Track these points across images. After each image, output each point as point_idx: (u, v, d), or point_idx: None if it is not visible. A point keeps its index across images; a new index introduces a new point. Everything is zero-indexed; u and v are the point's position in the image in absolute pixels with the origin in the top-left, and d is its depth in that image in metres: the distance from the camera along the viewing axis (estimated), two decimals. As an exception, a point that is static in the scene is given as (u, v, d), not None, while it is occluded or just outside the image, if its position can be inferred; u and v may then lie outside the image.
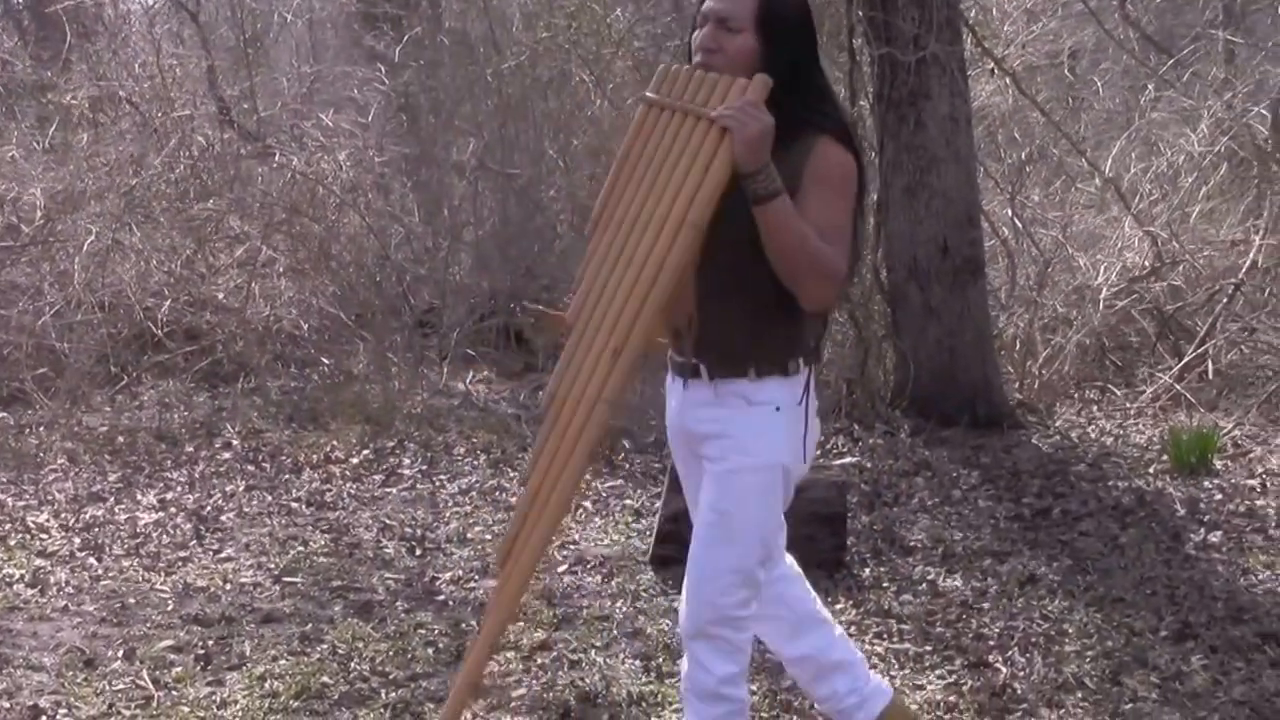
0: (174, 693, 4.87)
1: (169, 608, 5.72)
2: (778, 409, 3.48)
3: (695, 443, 3.62)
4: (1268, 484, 6.78)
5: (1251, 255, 9.45)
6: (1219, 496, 6.68)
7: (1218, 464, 7.11)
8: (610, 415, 3.47)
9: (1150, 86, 11.29)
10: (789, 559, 3.93)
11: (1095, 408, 8.53)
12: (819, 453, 7.55)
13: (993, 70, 9.95)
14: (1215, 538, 6.15)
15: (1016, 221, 9.49)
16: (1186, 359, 8.81)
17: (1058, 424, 8.08)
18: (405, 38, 11.82)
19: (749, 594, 3.54)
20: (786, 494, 3.58)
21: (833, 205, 3.37)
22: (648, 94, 3.52)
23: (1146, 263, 9.54)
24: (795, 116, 3.37)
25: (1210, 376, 8.81)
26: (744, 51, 3.40)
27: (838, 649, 3.93)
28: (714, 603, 3.51)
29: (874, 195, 8.43)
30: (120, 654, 5.21)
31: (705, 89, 3.37)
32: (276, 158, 11.33)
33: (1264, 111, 10.37)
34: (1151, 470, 7.11)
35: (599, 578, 5.93)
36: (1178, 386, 8.38)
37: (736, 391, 3.49)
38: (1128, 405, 8.40)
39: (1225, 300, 9.27)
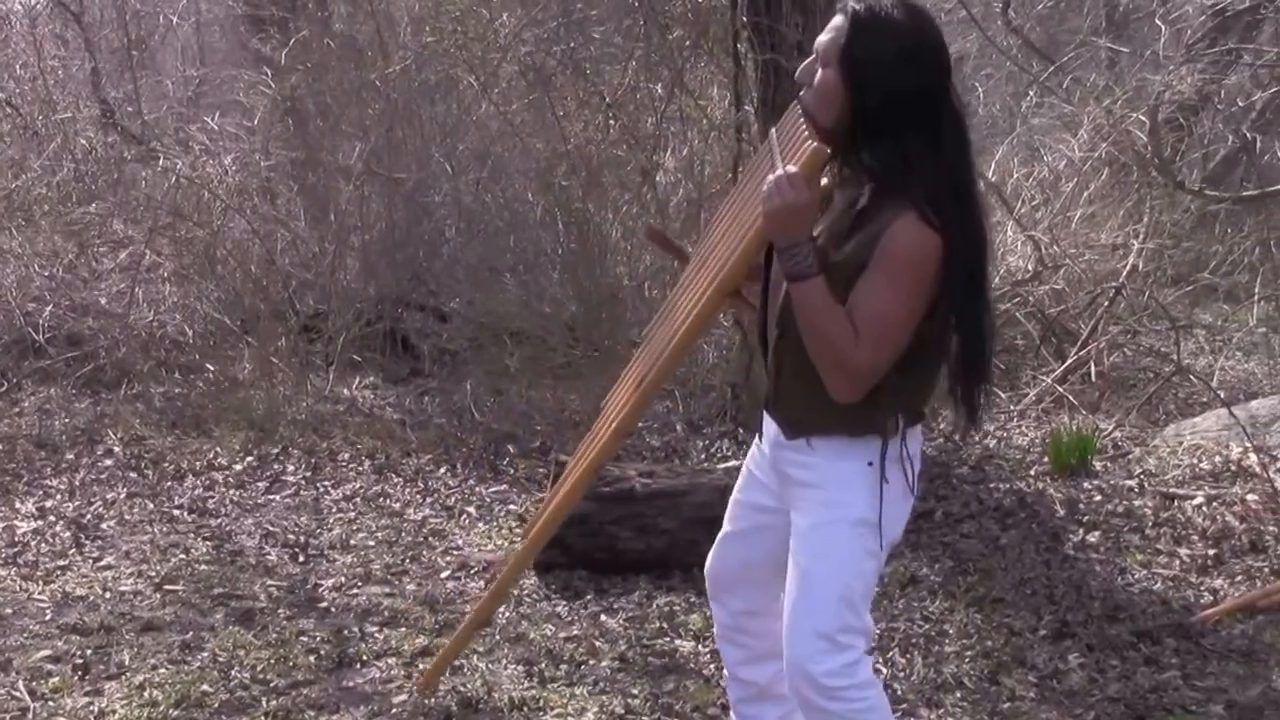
0: (51, 703, 4.82)
1: (47, 617, 5.66)
2: (870, 464, 3.30)
3: (785, 487, 3.50)
4: (1145, 484, 6.87)
5: (1131, 259, 9.58)
6: (1098, 497, 6.77)
7: (1097, 465, 7.19)
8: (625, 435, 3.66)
9: (1032, 93, 11.42)
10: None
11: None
12: (704, 456, 7.60)
13: (876, 76, 10.01)
14: (1094, 538, 6.23)
15: (900, 226, 9.56)
16: (1069, 361, 8.91)
17: (941, 427, 8.15)
18: (292, 41, 11.71)
19: (846, 660, 3.34)
20: (879, 555, 3.38)
21: (881, 293, 3.12)
22: (773, 130, 3.40)
23: (1029, 266, 9.64)
24: (886, 173, 3.19)
25: (1093, 379, 8.91)
26: (828, 88, 3.21)
27: (782, 683, 3.72)
28: (803, 669, 3.35)
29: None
30: (-4, 665, 5.15)
31: (790, 144, 3.24)
32: (161, 161, 11.20)
33: (1143, 118, 10.50)
34: (1033, 472, 7.19)
35: (482, 583, 5.92)
36: (1060, 389, 8.47)
37: (830, 444, 3.33)
38: (1011, 408, 8.48)
39: (1106, 304, 9.38)
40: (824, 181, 3.34)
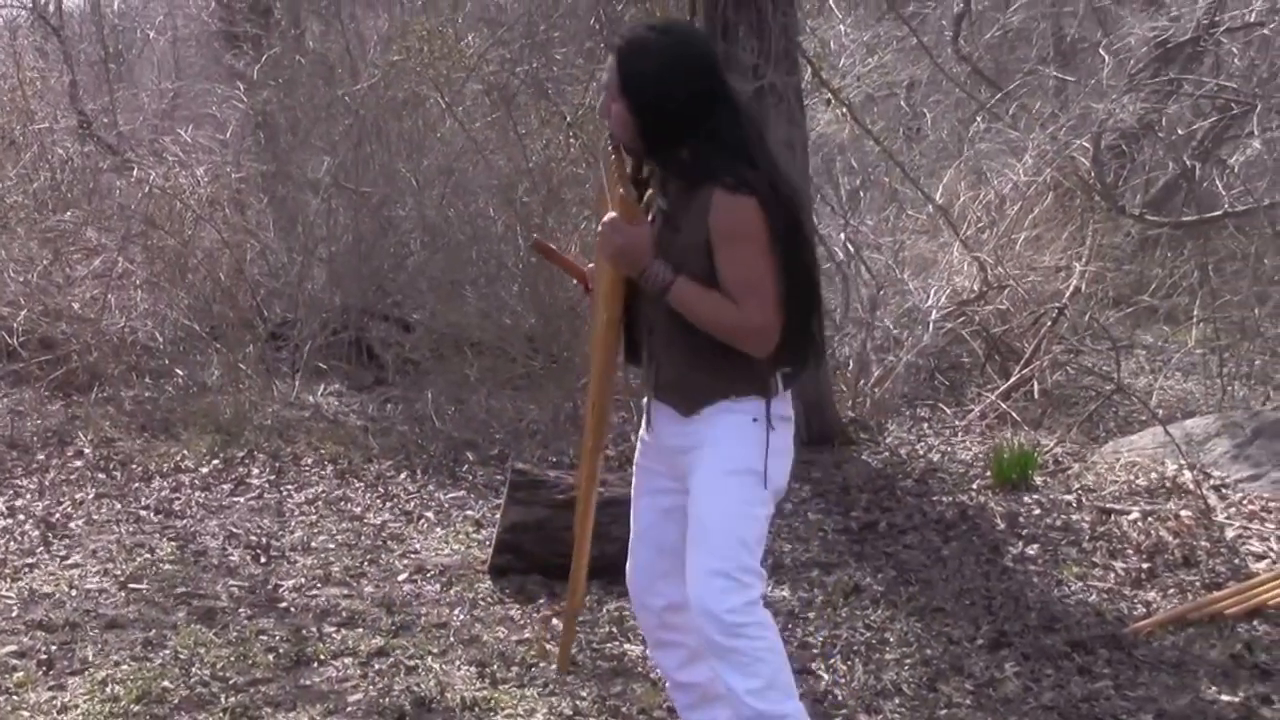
0: (15, 697, 4.78)
1: (13, 613, 5.62)
2: (755, 420, 3.50)
3: (677, 461, 3.64)
4: (1083, 499, 6.90)
5: (1074, 281, 9.64)
6: (1037, 511, 6.79)
7: (1038, 480, 7.21)
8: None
9: (980, 119, 11.47)
10: None
11: (925, 425, 8.64)
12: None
13: (829, 101, 10.05)
14: (1032, 550, 6.24)
15: (850, 246, 9.60)
16: (1012, 379, 8.96)
17: (888, 441, 8.17)
18: (265, 57, 11.70)
19: (747, 598, 3.47)
20: (767, 505, 3.57)
21: (735, 261, 3.40)
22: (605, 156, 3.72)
23: (975, 287, 9.69)
24: (688, 169, 3.45)
25: (1035, 396, 8.96)
26: (623, 118, 3.48)
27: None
28: (711, 612, 3.46)
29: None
30: (-38, 660, 5.10)
31: (611, 184, 3.57)
32: (135, 172, 11.17)
33: (1087, 144, 10.58)
34: (975, 486, 7.21)
35: (438, 586, 5.90)
36: (1004, 405, 8.51)
37: (713, 407, 3.52)
38: (956, 423, 8.51)
39: (1050, 323, 9.43)
40: (649, 193, 3.62)
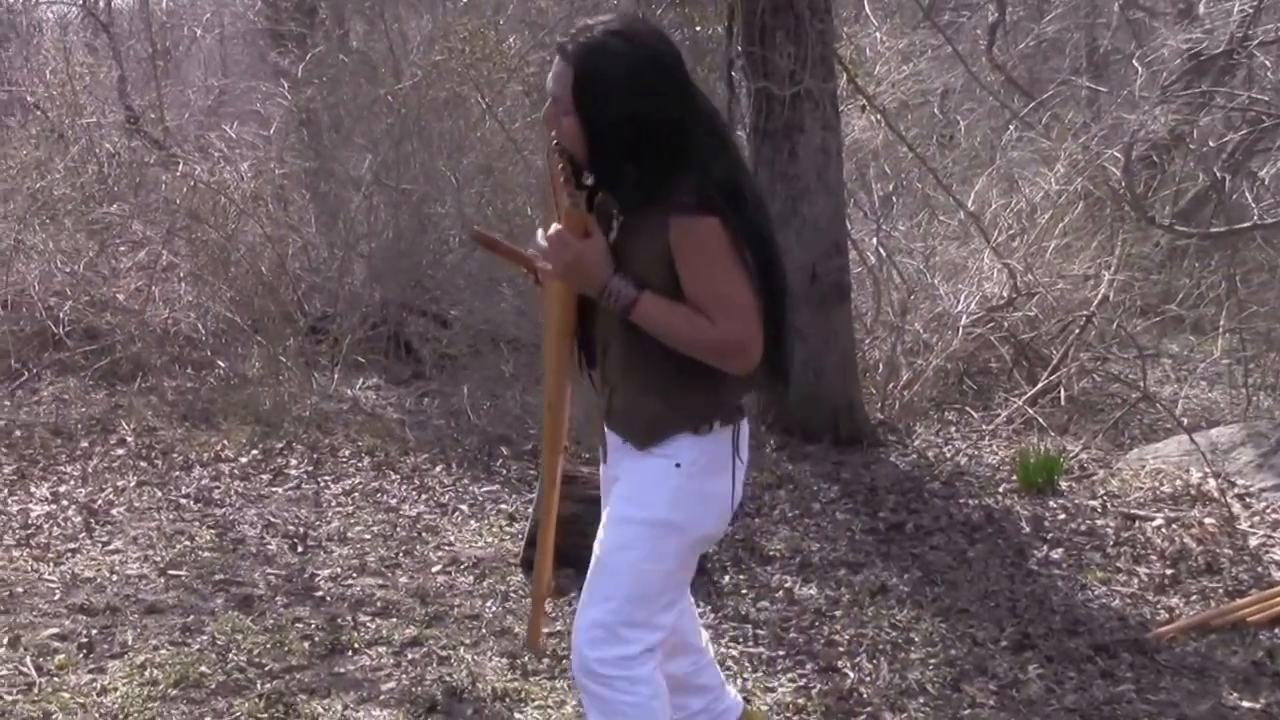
0: (56, 679, 4.82)
1: (55, 597, 5.66)
2: (678, 465, 3.22)
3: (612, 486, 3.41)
4: (1108, 505, 6.87)
5: (1103, 290, 9.59)
6: (1062, 516, 6.76)
7: (1063, 485, 7.19)
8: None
9: (1012, 127, 11.44)
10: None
11: (952, 429, 8.61)
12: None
13: (864, 107, 10.04)
14: (1057, 554, 6.22)
15: (882, 250, 9.58)
16: (1040, 385, 8.92)
17: (915, 443, 8.15)
18: (309, 55, 11.74)
19: (621, 652, 3.23)
20: (680, 556, 3.30)
21: (705, 276, 3.07)
22: (547, 159, 3.33)
23: (1004, 293, 9.65)
24: (639, 193, 3.11)
25: (1062, 402, 8.92)
26: (574, 134, 3.15)
27: (705, 673, 3.73)
28: (581, 654, 3.26)
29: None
30: (5, 641, 5.15)
31: (558, 192, 3.22)
32: (181, 166, 11.20)
33: (1118, 155, 10.53)
34: (1001, 489, 7.19)
35: (471, 578, 5.92)
36: (1030, 411, 8.48)
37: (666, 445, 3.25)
38: (983, 427, 8.49)
39: (1077, 331, 9.39)
40: (599, 197, 3.27)
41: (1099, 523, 6.63)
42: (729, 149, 3.24)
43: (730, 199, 3.10)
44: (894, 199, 10.71)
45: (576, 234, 3.13)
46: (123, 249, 10.97)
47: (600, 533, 3.32)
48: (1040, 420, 8.33)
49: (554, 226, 3.16)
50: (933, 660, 5.01)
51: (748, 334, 3.09)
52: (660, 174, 3.09)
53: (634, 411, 3.28)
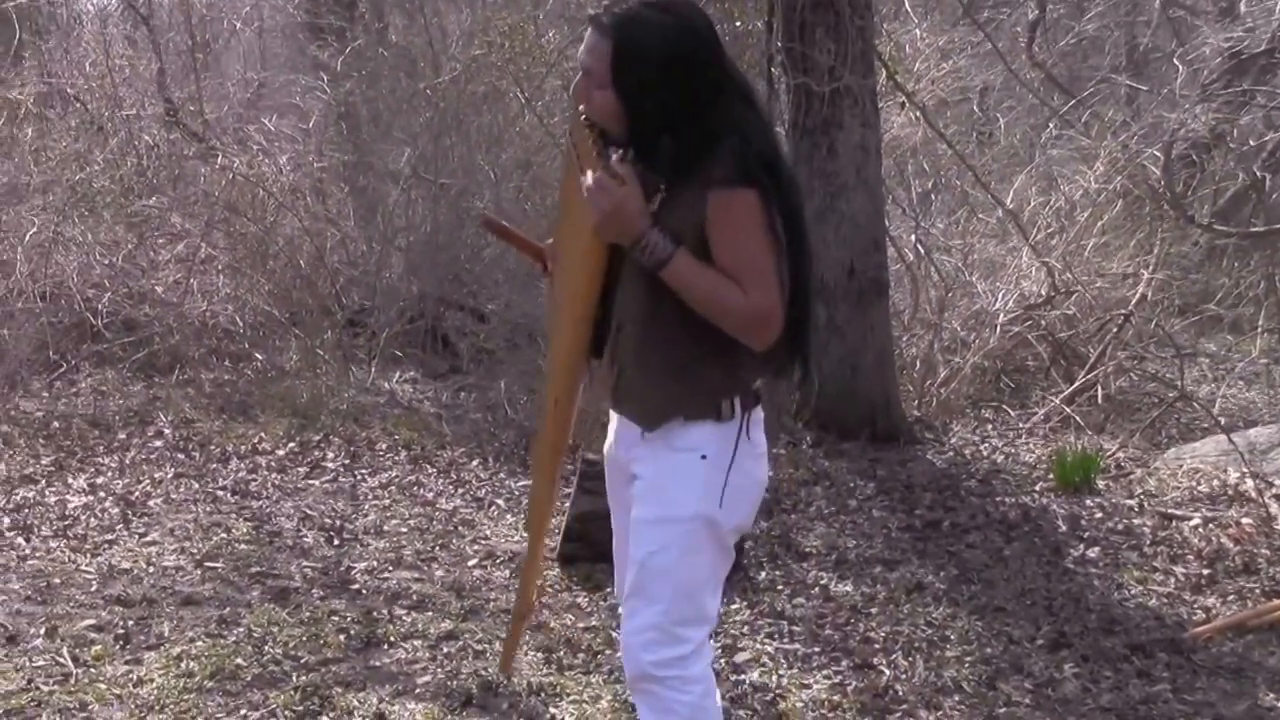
0: (92, 670, 4.83)
1: (92, 588, 5.69)
2: (704, 457, 3.14)
3: (626, 474, 3.31)
4: (1145, 504, 6.84)
5: (1141, 288, 9.54)
6: (1099, 514, 6.73)
7: (1100, 484, 7.16)
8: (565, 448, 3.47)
9: (1052, 125, 11.39)
10: None
11: (989, 426, 8.58)
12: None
13: (903, 104, 10.01)
14: (1093, 553, 6.19)
15: (920, 247, 9.55)
16: (1077, 383, 8.88)
17: (952, 441, 8.12)
18: (348, 49, 11.77)
19: (677, 653, 3.18)
20: (718, 546, 3.23)
21: (738, 243, 3.01)
22: (569, 135, 3.30)
23: (1042, 291, 9.61)
24: (678, 165, 3.06)
25: (1099, 401, 8.88)
26: (607, 107, 3.09)
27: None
28: (636, 658, 3.20)
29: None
30: (42, 631, 5.17)
31: (587, 157, 3.14)
32: (219, 159, 11.25)
33: (1157, 153, 10.47)
34: (1038, 488, 7.16)
35: (507, 572, 5.92)
36: (1068, 409, 8.44)
37: (663, 436, 3.17)
38: (1020, 425, 8.46)
39: (1115, 330, 9.35)
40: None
41: (1136, 522, 6.60)
42: (765, 122, 3.22)
43: (769, 173, 3.06)
44: (933, 196, 10.67)
45: (615, 176, 3.06)
46: (161, 241, 11.02)
47: (632, 535, 3.26)
48: (1077, 419, 8.29)
49: (589, 175, 3.08)
50: (968, 658, 4.99)
51: (774, 306, 3.04)
52: (699, 145, 3.05)
53: (647, 390, 3.19)
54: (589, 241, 3.14)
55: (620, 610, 3.33)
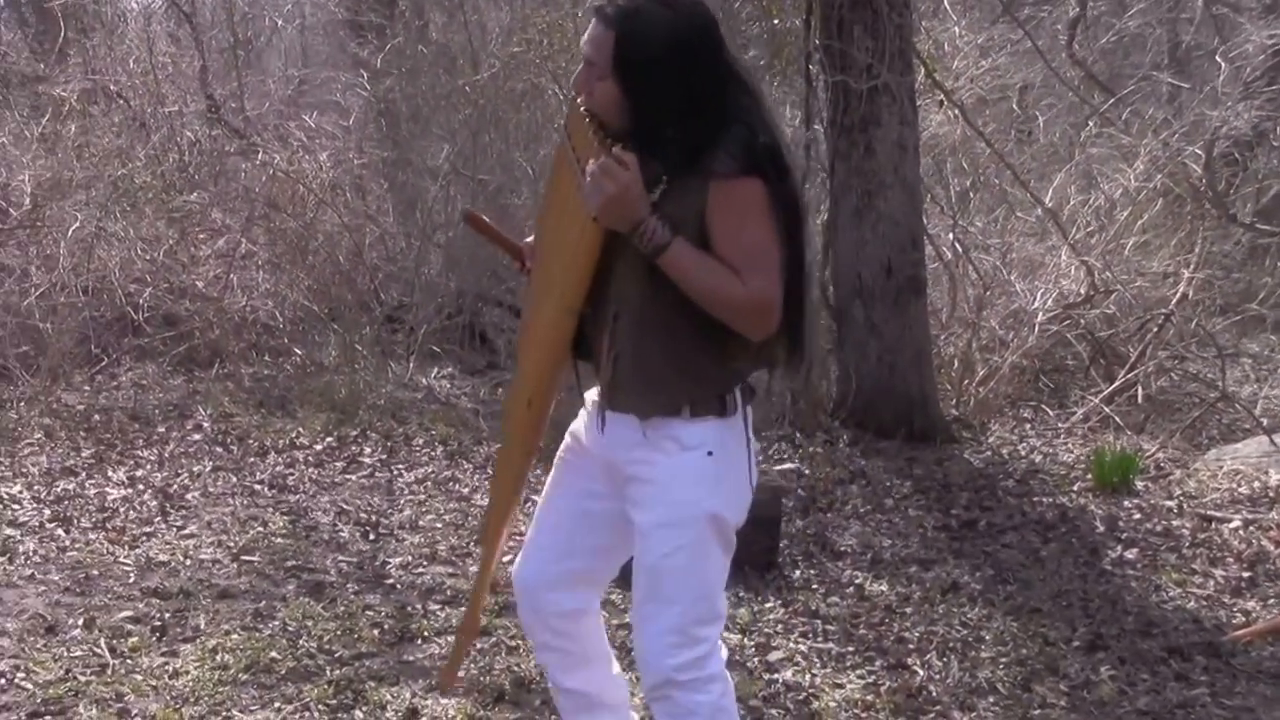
0: (129, 661, 4.85)
1: (130, 580, 5.70)
2: (710, 453, 3.13)
3: (619, 478, 3.26)
4: (1184, 506, 6.79)
5: (1182, 288, 9.47)
6: (1138, 516, 6.69)
7: (1139, 485, 7.11)
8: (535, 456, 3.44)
9: (1092, 123, 11.31)
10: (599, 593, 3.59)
11: (1028, 426, 8.54)
12: (760, 457, 7.55)
13: (941, 102, 9.96)
14: (1131, 555, 6.15)
15: (958, 246, 9.50)
16: (1117, 383, 8.83)
17: (990, 440, 8.08)
18: (388, 46, 11.79)
19: (696, 654, 3.18)
20: (726, 543, 3.21)
21: (741, 232, 3.00)
22: (563, 126, 3.26)
23: (1082, 290, 9.55)
24: (680, 156, 3.04)
25: (1139, 401, 8.82)
26: (608, 97, 3.07)
27: (612, 689, 3.61)
28: (659, 665, 3.19)
29: (823, 213, 8.45)
30: (80, 622, 5.20)
31: (585, 145, 3.10)
32: (260, 155, 11.28)
33: (1199, 151, 10.39)
34: (1075, 488, 7.11)
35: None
36: (1107, 409, 8.39)
37: (668, 434, 3.14)
38: (1059, 425, 8.41)
39: (1156, 329, 9.29)
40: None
41: (1175, 523, 6.55)
42: (769, 114, 3.16)
43: (773, 164, 3.04)
44: (971, 194, 10.61)
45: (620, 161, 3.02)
46: (202, 237, 11.05)
47: (639, 541, 3.21)
48: (1117, 419, 8.24)
49: (591, 163, 3.02)
50: (1003, 659, 4.96)
51: (774, 296, 3.02)
52: (703, 136, 3.03)
53: (647, 380, 3.15)
54: (585, 230, 3.10)
55: (632, 619, 3.32)
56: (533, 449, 3.44)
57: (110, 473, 7.31)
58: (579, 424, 3.40)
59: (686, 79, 3.04)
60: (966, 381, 8.82)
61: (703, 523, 3.14)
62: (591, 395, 3.33)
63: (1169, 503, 6.84)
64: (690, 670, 3.18)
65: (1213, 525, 6.49)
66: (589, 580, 3.48)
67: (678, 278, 3.02)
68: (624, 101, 3.07)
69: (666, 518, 3.14)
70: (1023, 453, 7.84)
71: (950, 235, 9.57)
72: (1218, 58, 11.63)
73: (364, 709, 4.49)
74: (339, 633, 5.08)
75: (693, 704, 3.20)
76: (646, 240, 3.00)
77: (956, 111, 9.83)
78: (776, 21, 9.26)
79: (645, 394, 3.15)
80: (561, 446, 3.46)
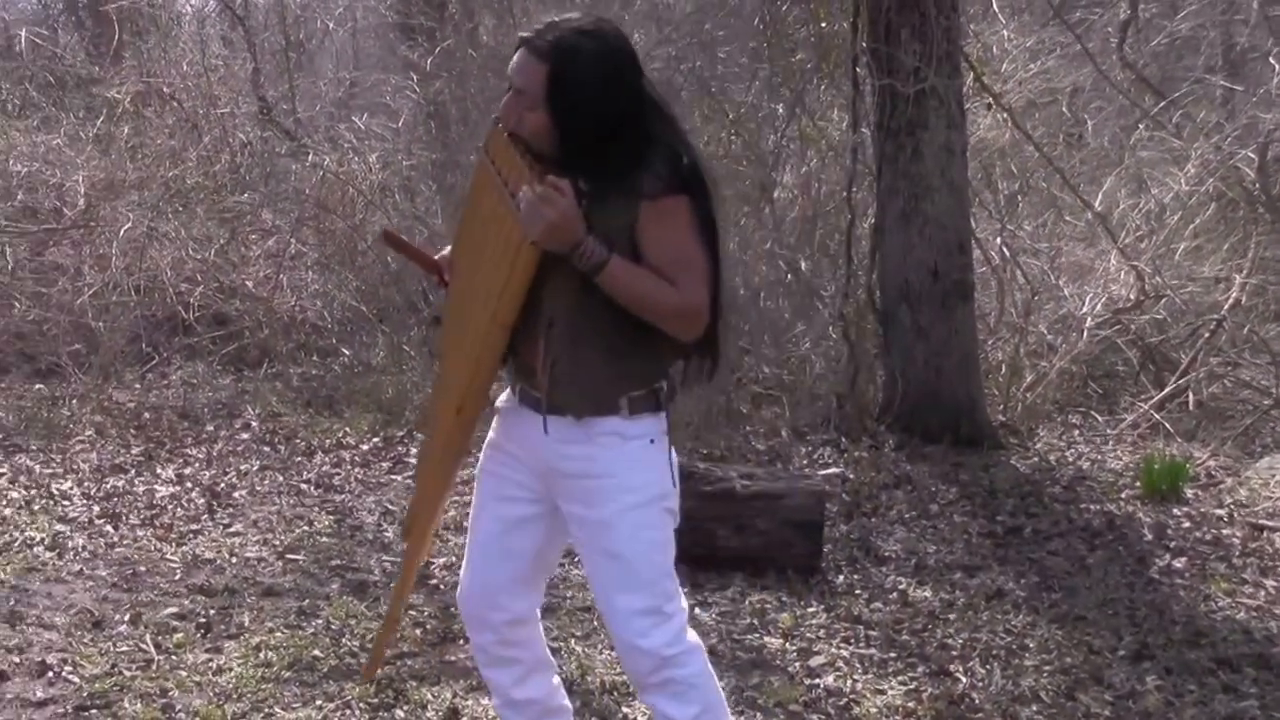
0: (174, 657, 4.89)
1: (177, 576, 5.75)
2: (652, 441, 3.29)
3: (556, 478, 3.36)
4: (1235, 514, 6.71)
5: (1234, 293, 9.38)
6: (1187, 524, 6.62)
7: (1189, 492, 7.03)
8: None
9: (1142, 126, 11.22)
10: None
11: (1076, 432, 8.47)
12: (805, 462, 7.53)
13: (989, 105, 9.89)
14: (1180, 563, 6.08)
15: (1006, 250, 9.42)
16: (1168, 389, 8.74)
17: (1037, 446, 8.02)
18: (438, 49, 11.81)
19: (674, 627, 3.33)
20: (673, 523, 3.38)
21: (673, 243, 3.17)
22: (482, 149, 3.36)
23: (1131, 295, 9.46)
24: (607, 175, 3.18)
25: (1190, 408, 8.73)
26: (540, 129, 3.20)
27: (559, 694, 3.72)
28: (646, 649, 3.31)
29: (869, 217, 8.41)
30: (127, 618, 5.25)
31: (515, 172, 3.19)
32: (310, 157, 11.34)
33: (1252, 155, 10.28)
34: (1124, 495, 7.05)
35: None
36: (1157, 416, 8.30)
37: (609, 430, 3.27)
38: (1107, 432, 8.33)
39: (1207, 335, 9.19)
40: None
41: (1225, 532, 6.48)
42: (685, 134, 3.33)
43: (697, 181, 3.21)
44: (1019, 198, 10.54)
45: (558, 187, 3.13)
46: (253, 237, 11.13)
47: (590, 534, 3.34)
48: (1167, 426, 8.15)
49: (529, 189, 3.11)
50: (1047, 667, 4.91)
51: (702, 298, 3.20)
52: (628, 158, 3.17)
53: (586, 378, 3.26)
54: (521, 253, 3.18)
55: (605, 621, 3.44)
56: (462, 451, 3.55)
57: (159, 470, 7.37)
58: (495, 434, 3.51)
59: (614, 108, 3.18)
60: (1014, 387, 8.75)
61: (656, 503, 3.31)
62: (503, 402, 3.48)
63: (1219, 511, 6.77)
64: (675, 645, 3.32)
65: (1264, 534, 6.42)
66: (531, 583, 3.60)
67: (614, 289, 3.16)
68: (554, 130, 3.20)
69: (628, 503, 3.28)
70: (1070, 459, 7.77)
71: (998, 239, 9.50)
72: (1272, 60, 11.49)
73: (405, 708, 4.50)
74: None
75: (690, 676, 3.34)
76: (586, 259, 3.13)
77: (1005, 115, 9.76)
78: (824, 25, 9.21)
79: (585, 396, 3.27)
80: (482, 460, 3.56)
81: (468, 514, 6.59)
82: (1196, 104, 11.99)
